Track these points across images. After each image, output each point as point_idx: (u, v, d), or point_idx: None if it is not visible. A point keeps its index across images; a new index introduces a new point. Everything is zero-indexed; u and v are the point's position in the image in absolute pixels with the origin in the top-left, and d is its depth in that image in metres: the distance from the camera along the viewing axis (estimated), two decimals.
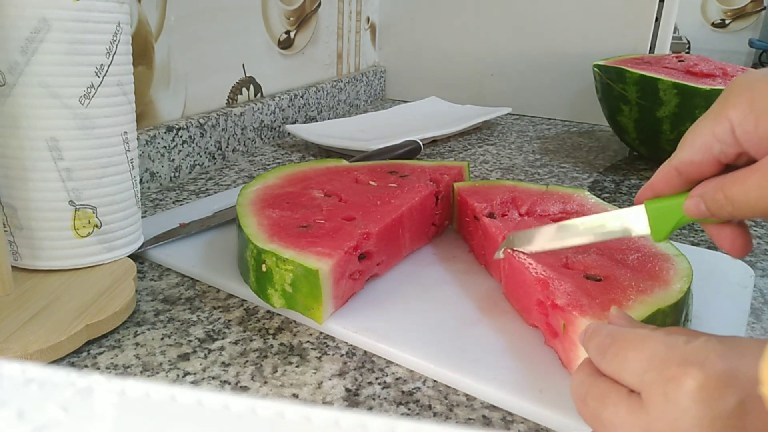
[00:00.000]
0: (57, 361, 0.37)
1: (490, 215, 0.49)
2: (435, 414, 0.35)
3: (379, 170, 0.58)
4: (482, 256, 0.50)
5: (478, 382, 0.36)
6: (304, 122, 0.98)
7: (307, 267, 0.39)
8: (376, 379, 0.38)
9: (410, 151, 0.77)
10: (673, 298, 0.37)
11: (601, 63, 0.84)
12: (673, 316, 0.36)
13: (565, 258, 0.41)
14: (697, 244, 0.59)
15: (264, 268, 0.42)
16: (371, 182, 0.55)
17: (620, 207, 0.68)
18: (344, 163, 0.60)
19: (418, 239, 0.53)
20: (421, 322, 0.42)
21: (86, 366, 0.38)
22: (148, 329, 0.42)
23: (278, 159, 0.82)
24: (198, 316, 0.44)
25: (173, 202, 0.65)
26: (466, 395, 0.36)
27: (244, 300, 0.46)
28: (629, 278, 0.39)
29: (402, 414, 0.35)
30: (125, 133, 0.46)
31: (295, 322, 0.43)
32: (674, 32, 1.05)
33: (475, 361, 0.38)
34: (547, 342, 0.40)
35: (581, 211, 0.50)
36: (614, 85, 0.81)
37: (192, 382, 0.37)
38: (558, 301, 0.37)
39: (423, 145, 0.81)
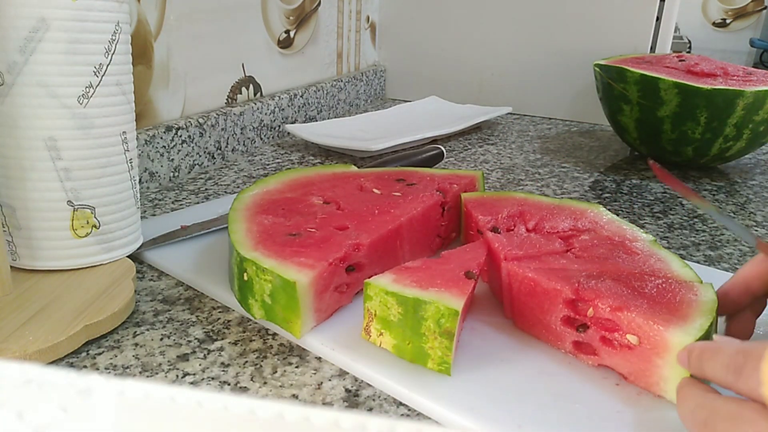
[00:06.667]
0: (56, 362, 0.37)
1: (494, 229, 0.46)
2: None
3: (387, 177, 0.55)
4: (485, 273, 0.47)
5: (453, 412, 0.33)
6: (304, 122, 0.98)
7: (284, 278, 0.38)
8: None
9: (433, 156, 0.74)
10: (690, 336, 0.33)
11: (602, 62, 0.84)
12: None
13: (576, 283, 0.38)
14: (717, 261, 0.58)
15: (245, 277, 0.41)
16: (375, 190, 0.53)
17: (620, 207, 0.68)
18: (353, 168, 0.58)
19: (420, 252, 0.50)
20: None
21: (85, 366, 0.38)
22: (148, 329, 0.42)
23: (278, 159, 0.82)
24: (197, 316, 0.43)
25: (172, 202, 0.65)
26: None
27: None
28: (644, 310, 0.35)
29: (402, 415, 0.34)
30: (124, 132, 0.46)
31: None
32: (675, 32, 1.05)
33: (453, 387, 0.35)
34: (588, 360, 0.38)
35: (593, 228, 0.46)
36: (615, 84, 0.81)
37: (191, 383, 0.36)
38: (606, 309, 0.35)
39: (423, 145, 0.81)
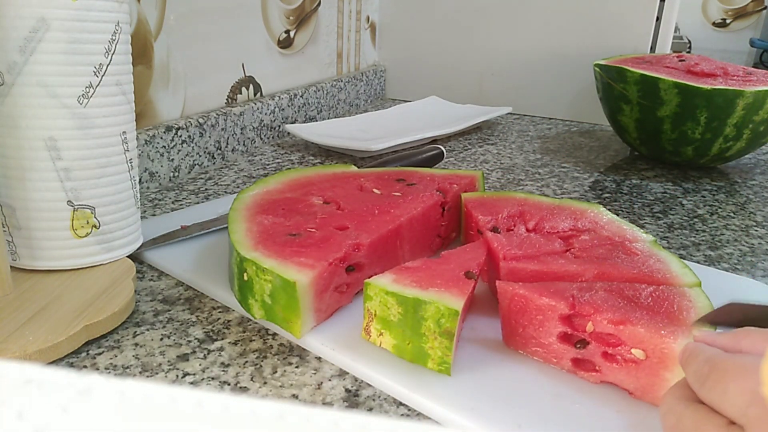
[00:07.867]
0: (56, 362, 0.37)
1: (494, 229, 0.46)
2: None
3: (387, 177, 0.56)
4: (486, 273, 0.47)
5: (453, 412, 0.33)
6: (304, 122, 0.98)
7: (285, 278, 0.38)
8: None
9: (433, 156, 0.74)
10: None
11: (602, 62, 0.84)
12: None
13: (571, 297, 0.36)
14: (717, 261, 0.58)
15: (245, 277, 0.41)
16: (375, 190, 0.52)
17: (620, 207, 0.68)
18: (353, 168, 0.58)
19: (420, 252, 0.50)
20: None
21: (85, 366, 0.38)
22: (148, 329, 0.42)
23: (278, 159, 0.82)
24: (197, 316, 0.43)
25: (172, 202, 0.65)
26: None
27: None
28: (647, 322, 0.34)
29: (402, 415, 0.34)
30: (124, 132, 0.46)
31: None
32: (675, 32, 1.05)
33: (453, 387, 0.35)
34: (590, 378, 0.36)
35: (593, 228, 0.46)
36: (615, 84, 0.81)
37: (191, 383, 0.36)
38: (606, 324, 0.34)
39: (423, 145, 0.81)
